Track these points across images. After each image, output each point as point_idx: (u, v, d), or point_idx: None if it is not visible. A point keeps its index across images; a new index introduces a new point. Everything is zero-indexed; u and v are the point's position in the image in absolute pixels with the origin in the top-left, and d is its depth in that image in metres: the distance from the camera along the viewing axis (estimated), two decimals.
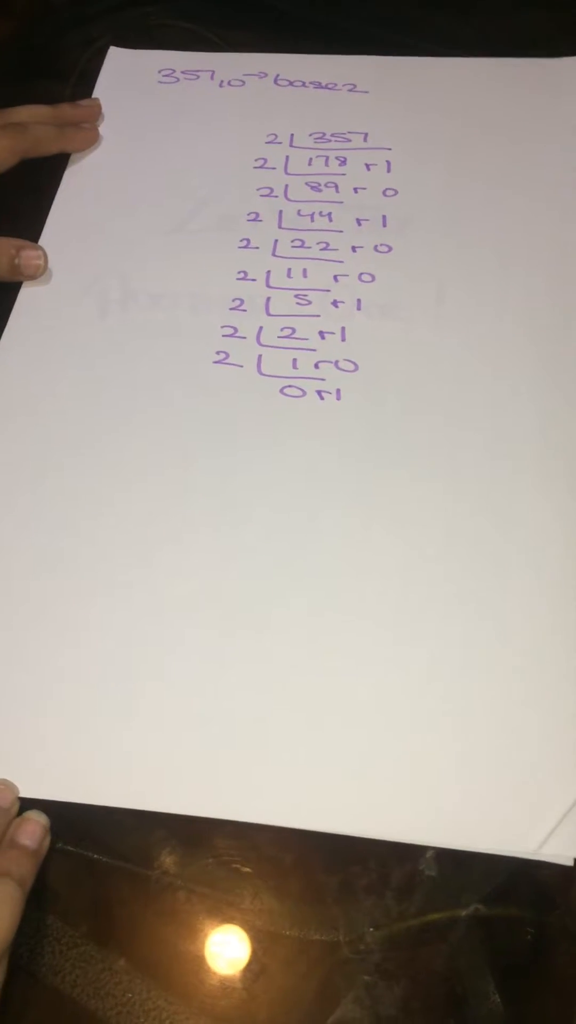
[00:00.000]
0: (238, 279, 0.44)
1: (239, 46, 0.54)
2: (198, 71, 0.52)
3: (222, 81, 0.52)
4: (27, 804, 0.32)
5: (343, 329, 0.42)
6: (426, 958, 0.30)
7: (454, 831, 0.31)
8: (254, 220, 0.46)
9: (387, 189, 0.47)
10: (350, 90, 0.51)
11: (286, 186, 0.47)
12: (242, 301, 0.43)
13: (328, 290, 0.44)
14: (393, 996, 0.30)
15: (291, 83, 0.51)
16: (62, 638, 0.35)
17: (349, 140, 0.49)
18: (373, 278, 0.44)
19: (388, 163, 0.48)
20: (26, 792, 0.33)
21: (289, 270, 0.44)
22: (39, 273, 0.44)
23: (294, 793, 0.32)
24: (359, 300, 0.43)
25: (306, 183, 0.47)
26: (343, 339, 0.42)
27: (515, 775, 0.32)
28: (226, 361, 0.42)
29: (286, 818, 0.32)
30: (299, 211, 0.46)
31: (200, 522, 0.37)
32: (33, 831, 0.31)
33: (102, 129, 0.50)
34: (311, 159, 0.48)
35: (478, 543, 0.36)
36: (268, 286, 0.44)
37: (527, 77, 0.50)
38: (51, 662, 0.35)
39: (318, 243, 0.45)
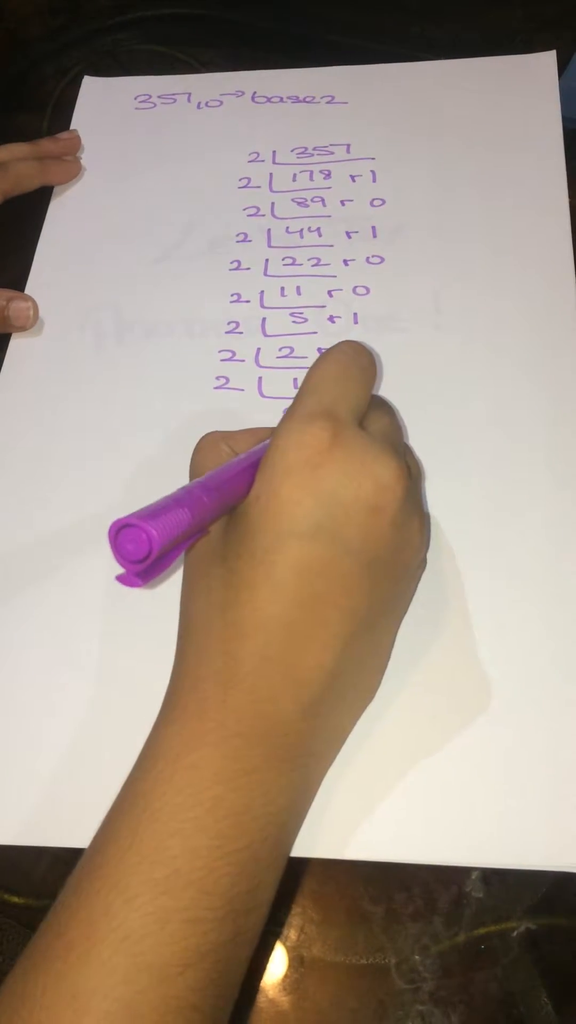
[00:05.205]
0: (232, 302, 0.44)
1: (211, 65, 0.54)
2: (174, 94, 0.52)
3: (199, 103, 0.51)
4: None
5: None
6: (480, 982, 0.30)
7: (499, 849, 0.31)
8: (243, 241, 0.46)
9: (374, 199, 0.46)
10: (328, 102, 0.50)
11: (272, 204, 0.47)
12: (238, 324, 0.43)
13: (323, 306, 0.43)
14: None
15: (269, 99, 0.51)
16: (76, 712, 0.35)
17: (332, 152, 0.48)
18: (368, 290, 0.43)
19: (373, 173, 0.47)
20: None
21: (282, 289, 0.44)
22: (29, 324, 0.43)
23: (333, 824, 0.31)
24: (355, 314, 0.43)
25: (292, 199, 0.47)
26: None
27: (556, 788, 0.31)
28: (227, 386, 0.41)
29: (327, 850, 0.31)
30: (287, 228, 0.46)
31: None
32: None
33: (83, 160, 0.50)
34: (295, 175, 0.48)
35: (498, 552, 0.36)
36: (262, 306, 0.43)
37: (504, 75, 0.50)
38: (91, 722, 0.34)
39: (309, 259, 0.45)
